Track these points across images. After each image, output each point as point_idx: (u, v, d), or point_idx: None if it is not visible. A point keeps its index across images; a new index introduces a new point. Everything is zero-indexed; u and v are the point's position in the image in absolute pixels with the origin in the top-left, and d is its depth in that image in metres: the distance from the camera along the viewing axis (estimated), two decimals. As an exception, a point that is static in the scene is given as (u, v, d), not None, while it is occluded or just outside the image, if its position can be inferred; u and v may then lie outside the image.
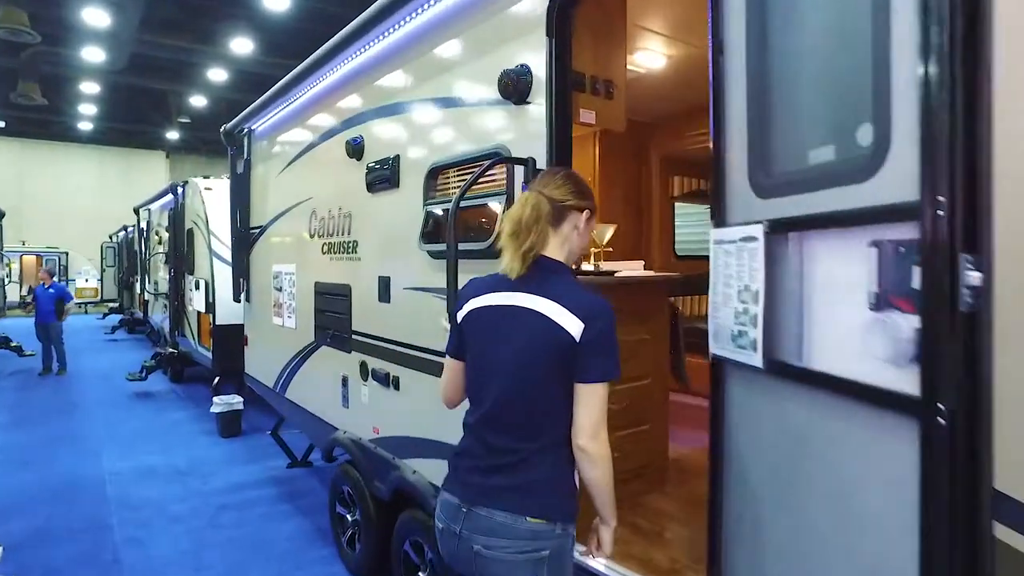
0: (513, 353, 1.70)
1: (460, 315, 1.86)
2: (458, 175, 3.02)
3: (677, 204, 6.19)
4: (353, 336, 3.92)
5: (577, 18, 2.45)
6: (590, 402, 1.63)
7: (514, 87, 2.53)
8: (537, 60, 2.49)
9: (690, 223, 7.62)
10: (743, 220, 1.66)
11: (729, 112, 1.73)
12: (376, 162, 3.61)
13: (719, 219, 1.75)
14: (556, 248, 1.79)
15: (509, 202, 2.61)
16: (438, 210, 3.11)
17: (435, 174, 3.14)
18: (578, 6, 2.41)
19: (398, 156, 3.43)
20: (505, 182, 2.64)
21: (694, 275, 3.72)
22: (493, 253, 2.21)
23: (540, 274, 1.73)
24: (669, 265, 6.02)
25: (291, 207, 4.88)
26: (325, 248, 4.31)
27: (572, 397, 1.65)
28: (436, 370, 3.00)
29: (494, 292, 1.78)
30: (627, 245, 5.87)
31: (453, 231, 2.35)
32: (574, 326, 1.63)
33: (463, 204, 2.40)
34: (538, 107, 2.49)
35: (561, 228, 1.79)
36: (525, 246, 1.70)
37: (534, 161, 2.46)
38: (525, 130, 2.57)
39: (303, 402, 4.77)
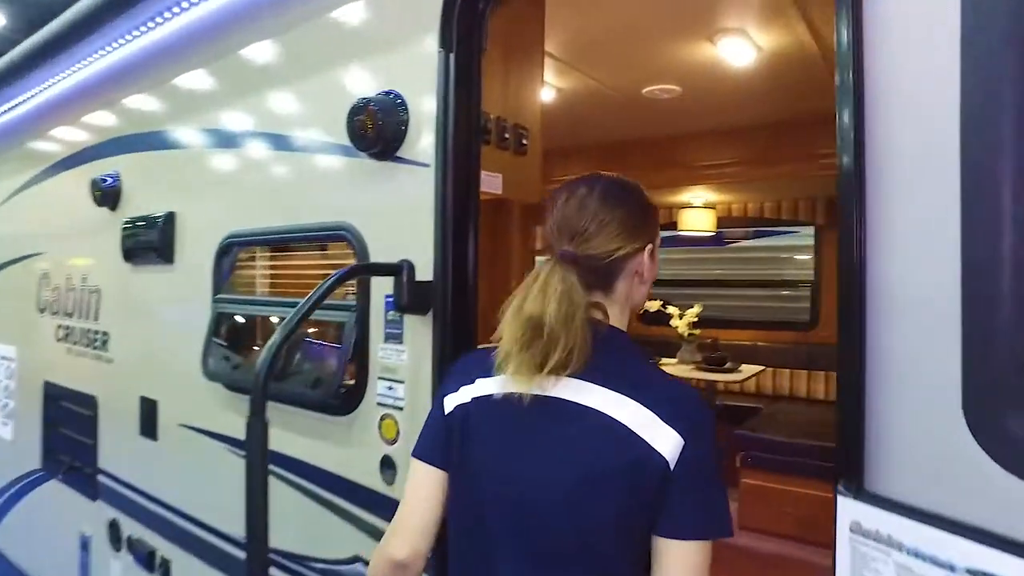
0: (559, 479, 0.96)
1: (451, 403, 1.07)
2: (272, 260, 1.88)
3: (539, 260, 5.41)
4: (100, 476, 2.54)
5: (492, 25, 1.47)
6: (690, 570, 0.91)
7: (375, 130, 1.48)
8: (419, 86, 1.48)
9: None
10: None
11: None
12: (138, 219, 2.31)
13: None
14: (614, 315, 1.06)
15: (363, 326, 1.56)
16: (238, 313, 1.93)
17: (231, 251, 1.96)
18: (495, 5, 1.43)
19: (172, 215, 2.18)
20: (357, 293, 1.58)
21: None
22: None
23: (594, 346, 0.96)
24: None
25: (12, 261, 3.31)
26: (62, 333, 2.86)
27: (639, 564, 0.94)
28: (228, 564, 1.84)
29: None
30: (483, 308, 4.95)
31: (263, 382, 1.23)
32: (668, 442, 0.92)
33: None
34: (420, 168, 1.48)
35: (616, 288, 1.06)
36: (555, 359, 0.93)
37: (410, 269, 1.44)
38: (395, 201, 1.54)
39: (17, 559, 3.18)
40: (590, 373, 0.95)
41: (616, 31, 2.65)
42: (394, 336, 1.53)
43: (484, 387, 1.03)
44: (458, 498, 1.04)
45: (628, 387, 0.95)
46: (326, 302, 1.40)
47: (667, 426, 0.91)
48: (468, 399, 1.04)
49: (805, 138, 3.86)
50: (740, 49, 2.67)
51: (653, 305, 4.61)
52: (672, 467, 0.90)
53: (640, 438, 0.91)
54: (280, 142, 1.86)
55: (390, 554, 1.02)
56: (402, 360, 1.51)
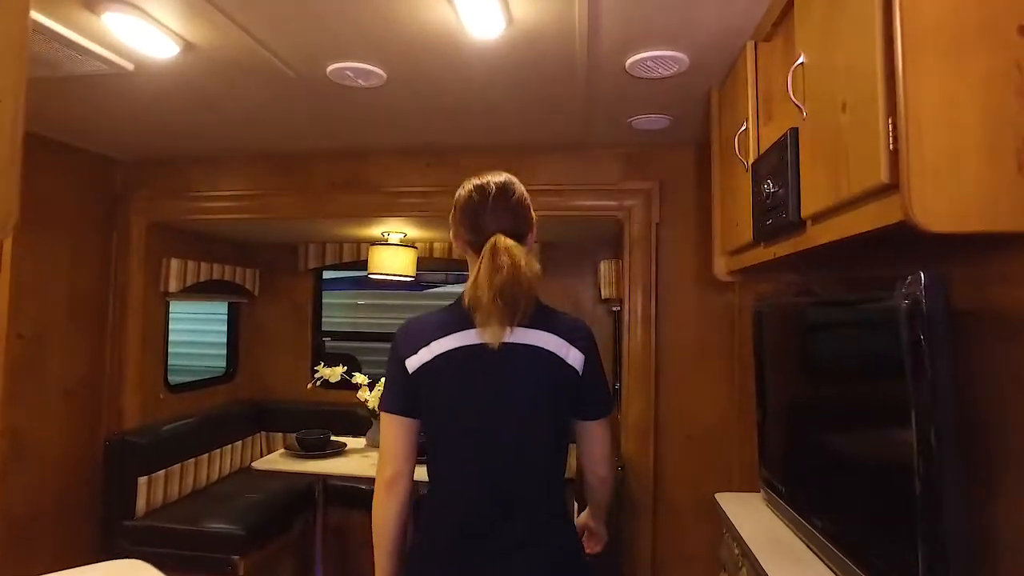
0: (516, 405, 1.38)
1: (413, 364, 1.37)
2: None
3: (175, 303, 3.82)
4: None
5: None
6: (605, 436, 1.49)
7: None
8: None
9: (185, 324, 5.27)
10: None
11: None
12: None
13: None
14: None
15: None
16: None
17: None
18: None
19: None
20: None
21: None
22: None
23: None
24: (156, 403, 3.58)
25: None
26: None
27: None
28: None
29: (463, 330, 1.38)
30: (71, 378, 3.20)
31: None
32: (577, 359, 1.40)
33: None
34: None
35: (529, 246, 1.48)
36: (519, 317, 1.35)
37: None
38: None
39: None
40: (529, 321, 1.36)
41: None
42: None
43: (447, 343, 1.37)
44: (437, 424, 1.39)
45: (548, 326, 1.39)
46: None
47: (573, 347, 1.38)
48: (430, 358, 1.37)
49: (537, 165, 3.18)
50: (484, 11, 1.73)
51: (335, 373, 3.44)
52: (580, 374, 1.39)
53: (562, 359, 1.37)
54: None
55: (382, 475, 1.39)
56: None
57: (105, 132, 2.95)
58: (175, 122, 2.77)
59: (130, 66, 2.10)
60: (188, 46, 1.97)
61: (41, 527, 3.03)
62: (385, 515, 1.38)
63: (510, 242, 1.35)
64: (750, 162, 1.76)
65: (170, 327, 4.26)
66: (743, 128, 1.82)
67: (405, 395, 1.37)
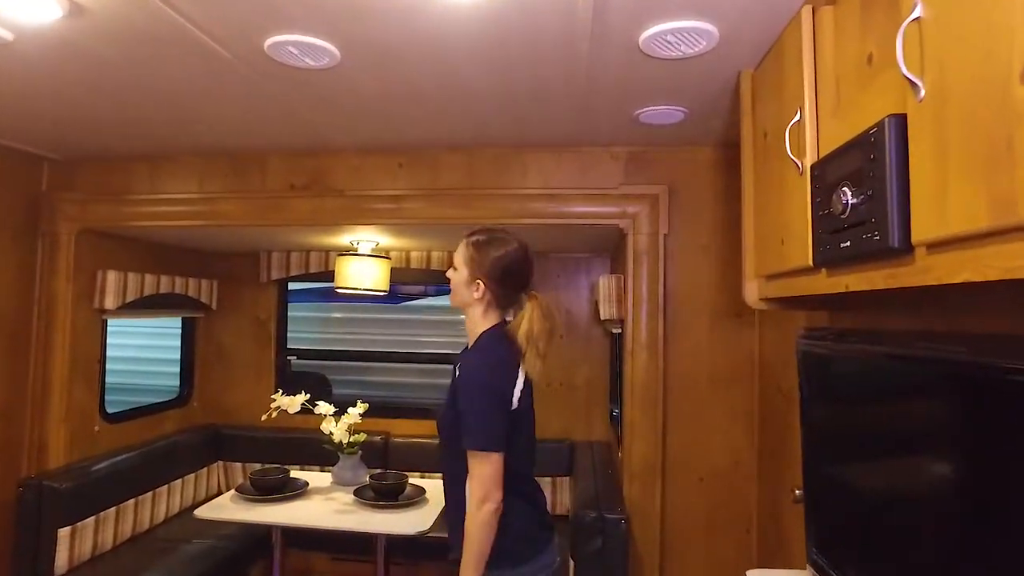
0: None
1: (515, 399, 1.68)
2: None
3: (112, 321, 3.35)
4: None
5: None
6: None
7: None
8: None
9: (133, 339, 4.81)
10: None
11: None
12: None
13: None
14: None
15: None
16: None
17: None
18: None
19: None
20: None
21: None
22: None
23: None
24: (89, 436, 3.12)
25: None
26: None
27: None
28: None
29: (518, 366, 1.72)
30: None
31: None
32: None
33: None
34: None
35: None
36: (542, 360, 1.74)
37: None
38: None
39: None
40: None
41: None
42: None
43: (521, 379, 1.70)
44: (523, 452, 1.73)
45: None
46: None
47: None
48: (519, 393, 1.68)
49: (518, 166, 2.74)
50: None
51: (294, 403, 2.99)
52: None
53: None
54: None
55: (495, 501, 1.61)
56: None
57: (15, 120, 2.49)
58: (87, 108, 2.31)
59: (8, 35, 1.65)
60: (76, 8, 1.53)
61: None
62: (491, 536, 1.60)
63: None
64: (807, 163, 1.34)
65: (117, 342, 3.81)
66: (795, 120, 1.40)
67: (504, 429, 1.64)
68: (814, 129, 1.35)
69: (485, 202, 2.74)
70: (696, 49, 1.70)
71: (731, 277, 2.58)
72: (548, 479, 3.42)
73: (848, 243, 1.13)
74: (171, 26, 1.62)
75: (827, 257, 1.24)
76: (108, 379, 3.33)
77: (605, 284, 2.80)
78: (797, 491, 1.88)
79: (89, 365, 3.14)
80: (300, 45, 1.72)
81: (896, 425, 1.29)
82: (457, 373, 1.70)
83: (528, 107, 2.25)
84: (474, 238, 1.74)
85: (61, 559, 2.70)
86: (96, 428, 3.16)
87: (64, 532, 2.71)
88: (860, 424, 1.47)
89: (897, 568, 1.32)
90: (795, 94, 1.42)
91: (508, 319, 1.77)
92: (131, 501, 3.10)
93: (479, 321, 1.74)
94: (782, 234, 1.51)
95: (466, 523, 1.61)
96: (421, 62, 1.85)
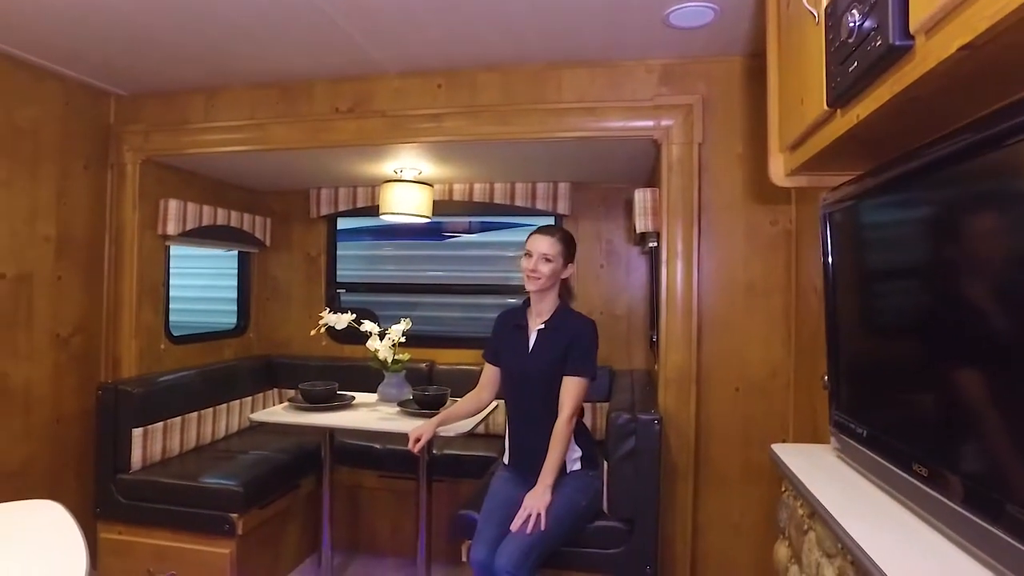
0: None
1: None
2: None
3: (175, 247, 3.57)
4: None
5: None
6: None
7: None
8: None
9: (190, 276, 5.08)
10: None
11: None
12: None
13: None
14: None
15: None
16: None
17: None
18: None
19: None
20: None
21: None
22: None
23: None
24: (156, 353, 3.36)
25: None
26: None
27: None
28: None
29: None
30: (64, 324, 2.99)
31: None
32: None
33: None
34: None
35: None
36: None
37: None
38: None
39: None
40: None
41: None
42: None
43: None
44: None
45: None
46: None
47: None
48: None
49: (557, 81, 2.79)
50: None
51: (341, 320, 3.14)
52: None
53: None
54: None
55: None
56: None
57: (85, 45, 2.68)
58: (150, 34, 2.47)
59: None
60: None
61: (32, 481, 2.83)
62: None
63: None
64: (822, 7, 1.35)
65: (180, 282, 4.05)
66: (813, -31, 1.41)
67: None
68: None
69: (522, 117, 2.80)
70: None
71: (767, 187, 2.57)
72: (587, 405, 3.48)
73: (855, 64, 1.15)
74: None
75: (839, 92, 1.26)
76: (171, 317, 3.56)
77: (641, 198, 2.83)
78: (825, 377, 1.90)
79: (155, 288, 3.37)
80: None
81: (915, 259, 1.31)
82: (560, 334, 2.31)
83: (560, 21, 2.29)
84: (559, 235, 2.34)
85: (136, 456, 2.95)
86: (162, 346, 3.40)
87: (137, 432, 2.96)
88: (876, 275, 1.49)
89: (897, 414, 1.36)
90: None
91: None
92: (194, 414, 3.33)
93: (556, 299, 2.37)
94: (801, 93, 1.52)
95: (560, 432, 2.21)
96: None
